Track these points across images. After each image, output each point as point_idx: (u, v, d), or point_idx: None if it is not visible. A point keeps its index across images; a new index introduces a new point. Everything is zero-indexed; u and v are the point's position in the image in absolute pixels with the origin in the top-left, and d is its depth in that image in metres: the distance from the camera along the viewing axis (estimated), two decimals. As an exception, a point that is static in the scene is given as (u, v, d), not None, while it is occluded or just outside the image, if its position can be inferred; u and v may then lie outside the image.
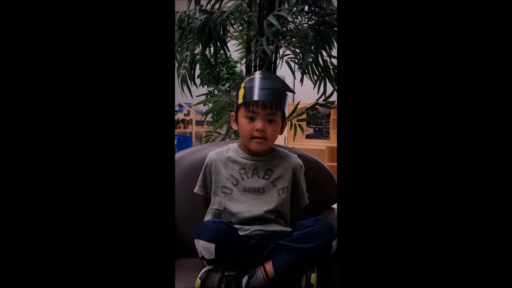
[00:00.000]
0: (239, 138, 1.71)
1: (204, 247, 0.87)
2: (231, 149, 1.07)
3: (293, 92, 1.06)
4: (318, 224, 0.90)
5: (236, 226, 0.98)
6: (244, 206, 1.00)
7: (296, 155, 1.10)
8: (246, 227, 0.98)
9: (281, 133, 1.06)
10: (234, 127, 1.06)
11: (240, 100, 1.01)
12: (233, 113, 1.07)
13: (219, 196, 1.02)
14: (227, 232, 0.90)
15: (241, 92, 1.01)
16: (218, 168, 1.04)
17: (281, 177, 1.03)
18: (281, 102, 1.01)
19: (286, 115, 1.07)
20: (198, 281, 0.87)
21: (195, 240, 0.90)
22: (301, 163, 1.09)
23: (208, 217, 1.05)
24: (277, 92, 1.00)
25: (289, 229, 1.00)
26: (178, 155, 1.19)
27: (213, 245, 0.86)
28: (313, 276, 0.88)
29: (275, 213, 1.01)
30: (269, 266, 0.89)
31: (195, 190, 1.08)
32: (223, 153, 1.06)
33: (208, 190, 1.06)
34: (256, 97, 0.98)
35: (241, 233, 0.96)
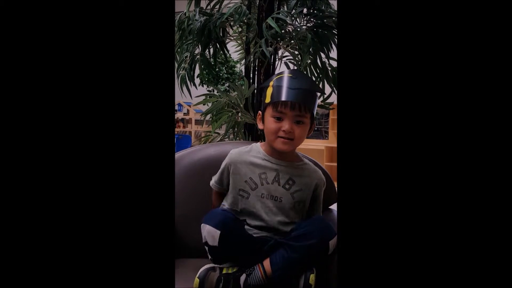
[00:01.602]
0: (237, 138, 1.73)
1: (210, 232, 0.88)
2: (253, 150, 1.04)
3: (323, 93, 1.00)
4: (316, 223, 0.91)
5: (246, 227, 0.98)
6: (260, 213, 0.98)
7: (320, 171, 1.07)
8: (255, 230, 0.98)
9: (308, 134, 1.02)
10: (260, 126, 1.02)
11: (268, 99, 0.97)
12: (260, 112, 1.03)
13: (236, 197, 1.00)
14: (234, 221, 0.92)
15: (269, 90, 0.97)
16: (238, 170, 1.01)
17: (301, 190, 1.00)
18: (310, 103, 0.97)
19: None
20: (196, 280, 0.88)
21: (202, 225, 0.90)
22: (324, 179, 1.06)
23: None
24: (307, 92, 0.96)
25: None
26: (177, 155, 1.20)
27: (218, 232, 0.87)
28: (312, 277, 0.89)
29: (289, 225, 0.99)
30: (267, 264, 0.90)
31: (210, 184, 1.07)
32: (244, 154, 1.03)
33: (224, 187, 1.05)
34: (284, 97, 0.94)
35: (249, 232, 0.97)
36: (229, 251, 0.91)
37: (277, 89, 0.96)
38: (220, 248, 0.89)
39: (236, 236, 0.91)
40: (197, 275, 0.89)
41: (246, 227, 0.99)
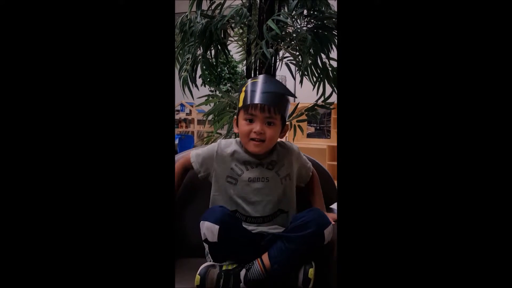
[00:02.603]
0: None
1: (208, 228, 0.90)
2: (238, 143, 1.08)
3: (294, 96, 1.06)
4: (311, 214, 0.94)
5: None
6: (250, 196, 1.01)
7: (293, 144, 1.15)
8: (250, 226, 1.00)
9: (281, 137, 1.07)
10: (235, 129, 1.07)
11: (241, 104, 1.03)
12: (235, 117, 1.08)
13: (224, 185, 1.03)
14: (231, 217, 0.94)
15: (242, 95, 1.03)
16: (224, 158, 1.05)
17: (284, 166, 1.06)
18: (281, 106, 1.02)
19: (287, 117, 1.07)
20: (197, 277, 0.90)
21: (201, 222, 0.92)
22: (298, 150, 1.13)
23: (212, 205, 1.06)
24: (276, 96, 1.01)
25: None
26: (178, 156, 1.22)
27: (217, 227, 0.89)
28: (311, 271, 0.91)
29: (280, 203, 1.03)
30: (265, 258, 0.92)
31: (190, 155, 1.09)
32: (231, 144, 1.08)
33: (200, 169, 1.07)
34: (254, 100, 0.99)
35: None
36: (228, 246, 0.93)
37: (249, 93, 1.01)
38: (219, 244, 0.90)
39: (234, 231, 0.93)
40: (198, 272, 0.90)
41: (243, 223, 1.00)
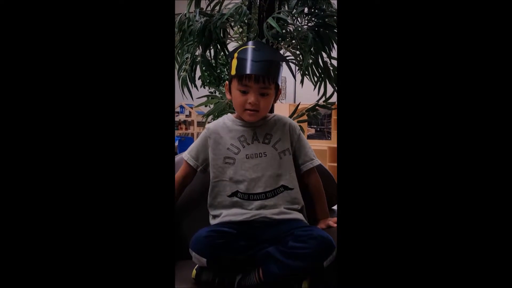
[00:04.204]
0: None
1: (196, 258, 0.89)
2: (227, 119, 1.08)
3: (286, 61, 1.04)
4: (313, 243, 0.86)
5: (243, 201, 0.98)
6: (249, 173, 1.00)
7: (287, 117, 1.13)
8: (253, 212, 0.97)
9: (275, 101, 1.08)
10: (228, 96, 1.07)
11: (233, 72, 1.01)
12: (227, 82, 1.07)
13: (222, 167, 1.02)
14: (220, 245, 0.88)
15: (234, 62, 1.01)
16: (218, 140, 1.04)
17: (280, 140, 1.05)
18: (274, 74, 1.00)
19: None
20: (194, 271, 0.91)
21: (190, 249, 0.90)
22: (295, 123, 1.11)
23: (211, 192, 1.04)
24: (270, 64, 0.99)
25: (298, 217, 0.99)
26: (178, 157, 1.21)
27: (204, 260, 0.87)
28: (305, 283, 0.88)
29: (281, 178, 1.01)
30: (261, 272, 0.90)
31: (183, 156, 1.08)
32: (220, 123, 1.07)
33: (197, 163, 1.06)
34: (248, 71, 0.97)
35: (246, 216, 0.96)
36: (222, 267, 0.91)
37: (242, 61, 0.99)
38: (211, 267, 0.90)
39: (225, 256, 0.89)
40: (195, 267, 0.91)
41: (244, 202, 0.98)
